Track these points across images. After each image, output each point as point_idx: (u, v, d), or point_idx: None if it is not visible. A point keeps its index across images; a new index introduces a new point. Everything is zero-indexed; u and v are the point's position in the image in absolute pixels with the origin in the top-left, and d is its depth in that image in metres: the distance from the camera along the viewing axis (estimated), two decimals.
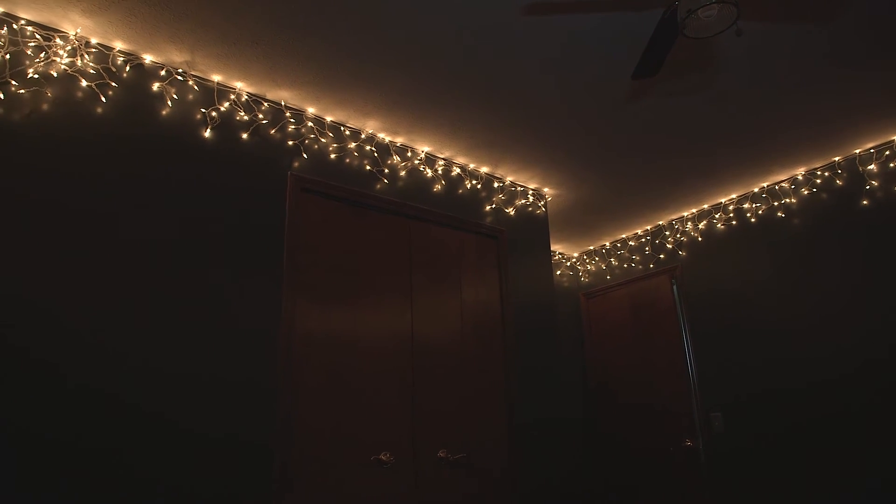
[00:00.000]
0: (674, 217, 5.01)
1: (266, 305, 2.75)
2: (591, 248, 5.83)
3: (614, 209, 4.79)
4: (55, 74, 2.49)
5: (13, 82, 2.39)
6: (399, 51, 2.73)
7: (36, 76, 2.44)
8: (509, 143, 3.61)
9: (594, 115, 3.35)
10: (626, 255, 5.45)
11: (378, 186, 3.36)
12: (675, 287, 4.91)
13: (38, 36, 2.48)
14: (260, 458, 2.56)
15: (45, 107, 2.44)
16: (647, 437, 4.88)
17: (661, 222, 5.13)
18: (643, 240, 5.31)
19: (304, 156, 3.10)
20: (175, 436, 2.38)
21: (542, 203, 4.33)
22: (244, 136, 2.92)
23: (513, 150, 3.71)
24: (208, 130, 2.82)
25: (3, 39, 2.41)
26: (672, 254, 5.00)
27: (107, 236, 2.43)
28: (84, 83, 2.55)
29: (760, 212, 4.40)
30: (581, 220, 5.01)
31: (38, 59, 2.47)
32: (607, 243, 5.66)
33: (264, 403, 2.63)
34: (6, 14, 2.42)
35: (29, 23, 2.47)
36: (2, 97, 2.35)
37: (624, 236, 5.48)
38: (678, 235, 4.97)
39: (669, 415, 4.71)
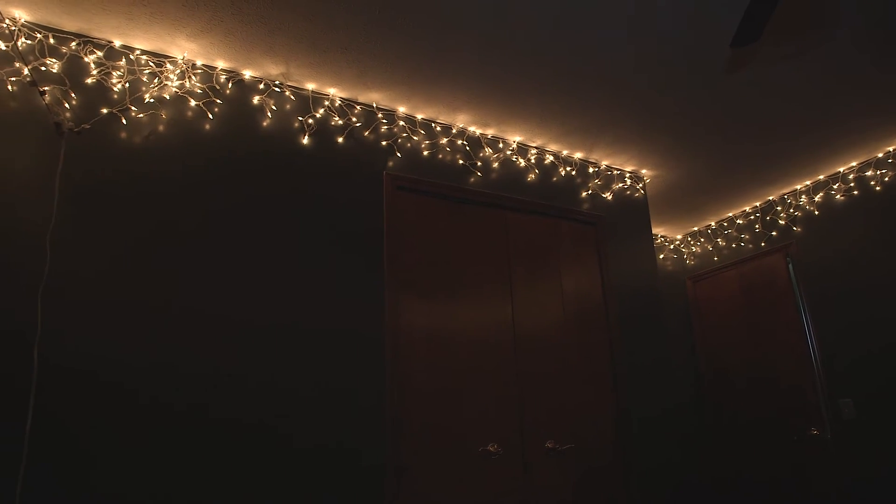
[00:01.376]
0: (785, 191, 4.69)
1: (370, 304, 2.83)
2: (696, 229, 5.57)
3: (719, 187, 4.55)
4: (168, 97, 2.68)
5: (133, 108, 2.59)
6: (484, 42, 2.73)
7: (152, 100, 2.64)
8: (602, 127, 3.52)
9: (692, 90, 3.19)
10: (735, 234, 5.17)
11: (472, 180, 3.37)
12: (790, 265, 4.59)
13: (151, 63, 2.68)
14: (373, 449, 2.64)
15: (161, 128, 2.63)
16: (765, 426, 4.60)
17: (771, 197, 4.82)
18: (752, 217, 5.01)
19: (398, 154, 3.17)
20: (296, 434, 2.51)
21: (641, 185, 4.19)
22: (340, 140, 3.02)
23: (606, 134, 3.60)
24: (306, 137, 2.93)
25: (122, 70, 2.62)
26: (785, 230, 4.68)
27: (215, 246, 2.60)
28: (193, 103, 2.72)
29: (886, 178, 4.03)
30: (683, 201, 4.80)
31: (152, 85, 2.66)
32: (713, 223, 5.39)
33: (374, 399, 2.71)
34: (124, 46, 2.64)
35: (143, 52, 2.68)
36: (125, 122, 2.56)
37: (731, 215, 5.19)
38: (791, 210, 4.65)
39: (791, 401, 4.42)
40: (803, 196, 4.57)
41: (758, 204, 4.94)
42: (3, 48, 2.42)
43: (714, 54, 2.91)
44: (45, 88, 2.44)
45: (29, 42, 2.48)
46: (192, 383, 2.37)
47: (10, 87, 2.40)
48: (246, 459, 2.38)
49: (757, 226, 4.94)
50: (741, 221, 5.11)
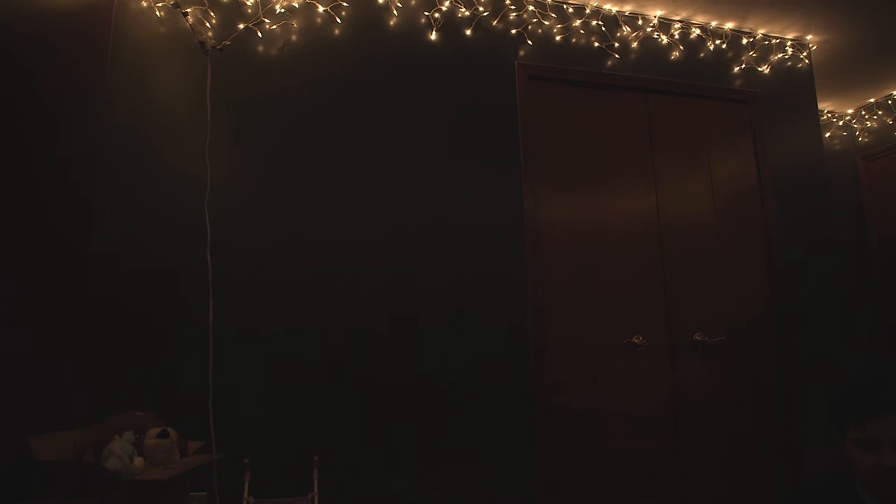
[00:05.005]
0: None
1: (508, 197, 2.82)
2: (872, 100, 4.86)
3: None
4: (297, 5, 2.71)
5: (266, 20, 2.65)
6: None
7: (282, 10, 2.68)
8: None
9: None
10: None
11: (609, 63, 3.14)
12: None
13: None
14: (518, 343, 2.71)
15: (293, 38, 2.68)
16: None
17: None
18: None
19: (529, 42, 3.01)
20: (440, 326, 2.63)
21: (805, 54, 3.69)
22: (468, 32, 2.91)
23: None
24: (433, 33, 2.86)
25: None
26: None
27: (352, 148, 2.67)
28: (321, 9, 2.73)
29: None
30: (857, 69, 4.17)
31: None
32: (895, 92, 4.67)
33: (516, 292, 2.74)
34: None
35: None
36: (260, 35, 2.63)
37: None
38: None
39: None
40: None
41: None
42: None
43: None
44: (188, 10, 2.54)
45: None
46: (340, 287, 2.53)
47: (157, 14, 2.54)
48: (405, 339, 2.55)
49: None
50: None
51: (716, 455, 2.95)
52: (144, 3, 2.53)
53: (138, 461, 1.68)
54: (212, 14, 2.60)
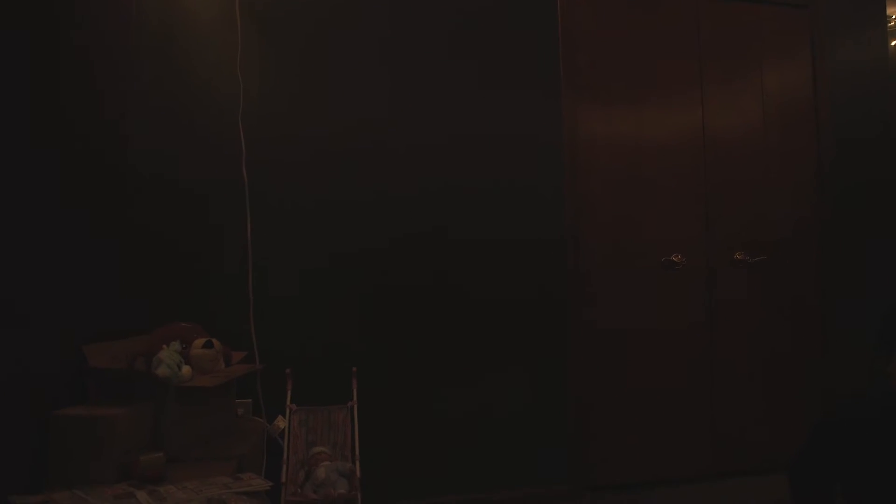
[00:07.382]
0: None
1: (547, 110, 2.74)
2: None
3: None
4: None
5: None
6: None
7: None
8: None
9: None
10: None
11: None
12: None
13: None
14: (555, 258, 2.70)
15: None
16: None
17: None
18: None
19: None
20: (477, 238, 2.64)
21: None
22: None
23: None
24: None
25: None
26: None
27: (383, 57, 2.61)
28: None
29: None
30: None
31: None
32: None
33: (554, 207, 2.71)
34: None
35: None
36: None
37: None
38: None
39: None
40: None
41: None
42: None
43: None
44: None
45: None
46: (377, 200, 2.54)
47: None
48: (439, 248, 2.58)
49: None
50: None
51: (750, 376, 2.94)
52: None
53: (186, 370, 1.76)
54: None
